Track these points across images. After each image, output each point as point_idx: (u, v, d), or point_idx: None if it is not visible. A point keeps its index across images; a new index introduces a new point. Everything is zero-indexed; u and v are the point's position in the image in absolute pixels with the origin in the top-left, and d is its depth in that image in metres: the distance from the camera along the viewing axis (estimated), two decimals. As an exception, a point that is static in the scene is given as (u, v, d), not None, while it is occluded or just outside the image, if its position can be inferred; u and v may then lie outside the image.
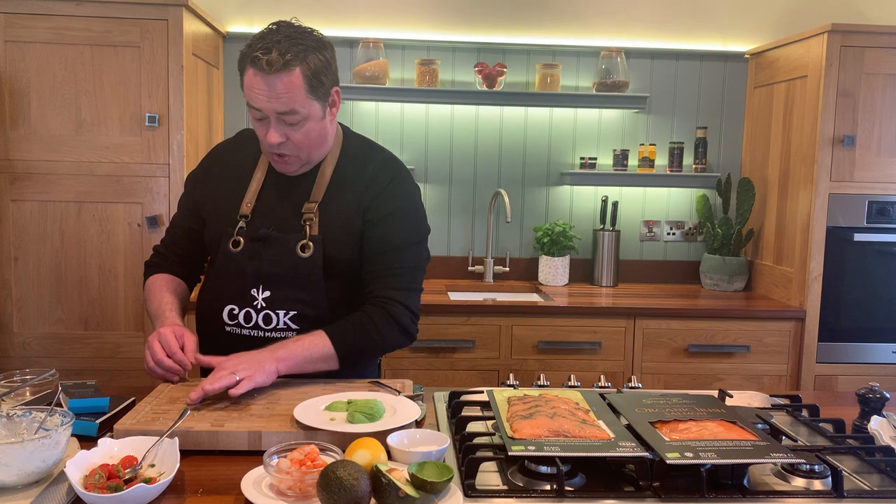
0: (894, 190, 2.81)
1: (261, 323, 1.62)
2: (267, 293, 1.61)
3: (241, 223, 1.64)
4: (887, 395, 1.43)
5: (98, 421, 1.33)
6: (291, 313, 1.62)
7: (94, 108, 2.59)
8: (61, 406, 1.34)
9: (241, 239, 1.62)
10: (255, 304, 1.62)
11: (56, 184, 2.60)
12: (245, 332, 1.63)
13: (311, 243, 1.60)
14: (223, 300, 1.64)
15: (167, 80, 2.58)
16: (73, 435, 1.24)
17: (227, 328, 1.64)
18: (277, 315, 1.62)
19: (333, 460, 1.08)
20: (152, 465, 1.15)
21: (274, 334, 1.62)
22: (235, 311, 1.63)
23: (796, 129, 2.93)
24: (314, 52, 1.51)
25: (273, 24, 1.53)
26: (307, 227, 1.61)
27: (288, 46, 1.47)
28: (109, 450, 1.16)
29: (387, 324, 1.61)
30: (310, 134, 1.56)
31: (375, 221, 1.64)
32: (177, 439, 1.17)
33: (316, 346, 1.54)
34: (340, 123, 1.75)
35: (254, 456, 1.22)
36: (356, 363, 1.62)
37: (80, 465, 1.10)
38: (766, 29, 3.30)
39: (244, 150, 1.72)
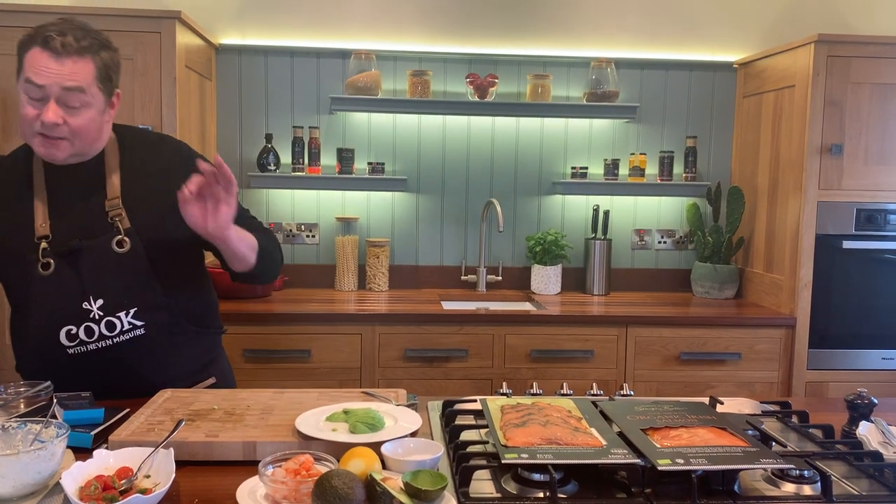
0: (882, 198, 2.85)
1: (105, 332, 1.58)
2: (100, 301, 1.57)
3: (44, 244, 1.57)
4: (875, 401, 1.45)
5: (93, 432, 1.33)
6: (132, 310, 1.60)
7: (87, 120, 2.59)
8: (56, 418, 1.34)
9: (50, 260, 1.57)
10: (91, 316, 1.57)
11: (49, 196, 2.60)
12: (92, 346, 1.58)
13: (126, 238, 1.59)
14: (55, 325, 1.57)
15: (160, 93, 2.59)
16: (68, 447, 1.25)
17: (70, 350, 1.58)
18: (119, 318, 1.59)
19: (328, 469, 1.09)
20: (147, 476, 1.15)
21: (122, 337, 1.59)
22: (74, 331, 1.57)
23: (785, 138, 2.96)
24: (107, 50, 1.57)
25: (62, 17, 1.56)
26: (118, 223, 1.60)
27: (83, 35, 1.52)
28: (105, 461, 1.17)
29: (279, 249, 1.80)
30: (90, 123, 1.55)
31: None
32: (172, 450, 1.18)
33: (251, 237, 1.65)
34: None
35: (248, 466, 1.23)
36: (264, 269, 1.71)
37: (75, 476, 1.10)
38: (755, 39, 3.34)
39: (7, 174, 1.65)
